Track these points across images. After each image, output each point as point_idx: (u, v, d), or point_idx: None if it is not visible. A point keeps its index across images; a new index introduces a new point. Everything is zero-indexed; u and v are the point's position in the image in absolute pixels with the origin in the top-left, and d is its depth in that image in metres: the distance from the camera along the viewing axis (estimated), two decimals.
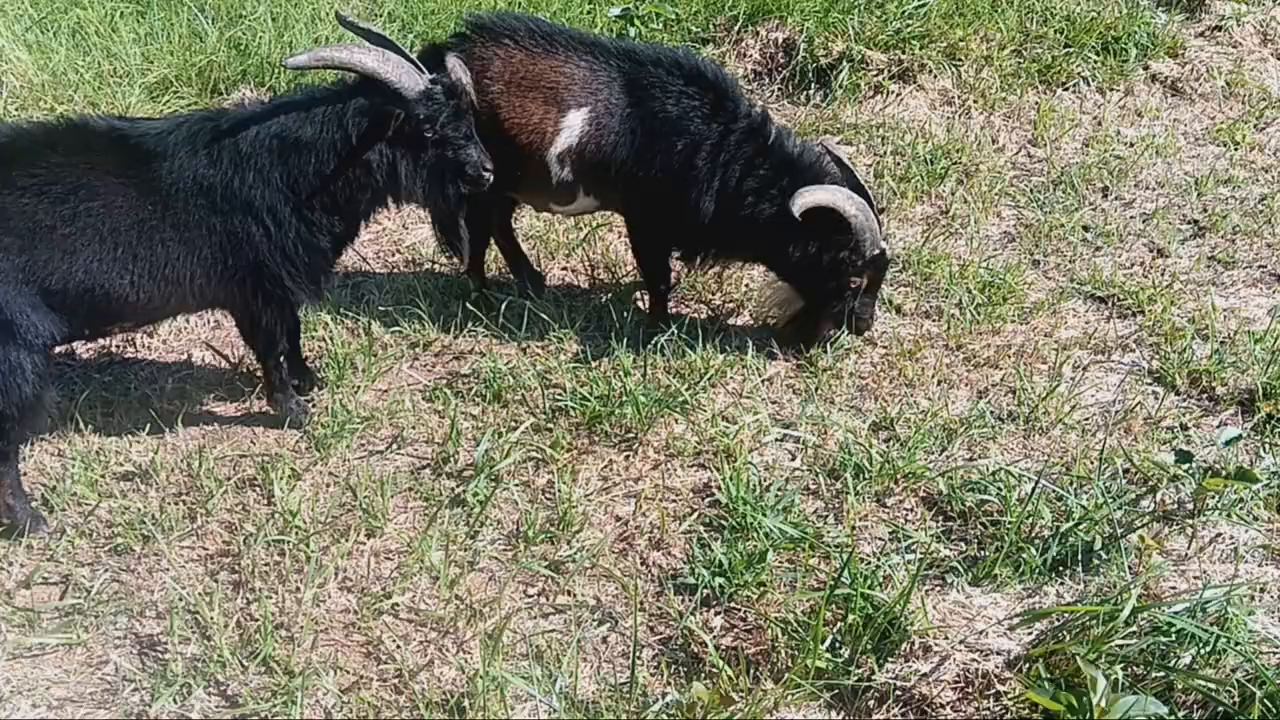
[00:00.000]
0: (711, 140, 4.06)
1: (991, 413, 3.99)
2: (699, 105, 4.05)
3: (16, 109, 4.98)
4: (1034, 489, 3.39)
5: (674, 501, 3.65)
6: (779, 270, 4.29)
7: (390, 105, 3.47)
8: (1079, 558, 3.21)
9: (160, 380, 4.16)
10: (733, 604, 3.23)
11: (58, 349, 3.65)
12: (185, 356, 4.30)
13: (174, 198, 3.40)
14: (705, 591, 3.28)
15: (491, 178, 3.74)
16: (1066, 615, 2.88)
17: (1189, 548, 3.31)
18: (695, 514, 3.57)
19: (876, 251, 4.05)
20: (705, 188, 4.08)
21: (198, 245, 3.48)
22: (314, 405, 4.02)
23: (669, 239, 4.35)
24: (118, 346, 4.30)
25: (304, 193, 3.51)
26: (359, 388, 4.11)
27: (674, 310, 4.56)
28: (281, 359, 3.87)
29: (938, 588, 3.19)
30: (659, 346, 4.23)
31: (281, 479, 3.62)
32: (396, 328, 4.40)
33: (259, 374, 4.02)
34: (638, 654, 3.03)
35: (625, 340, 4.20)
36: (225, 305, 3.76)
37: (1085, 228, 5.17)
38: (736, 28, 6.13)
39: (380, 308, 4.52)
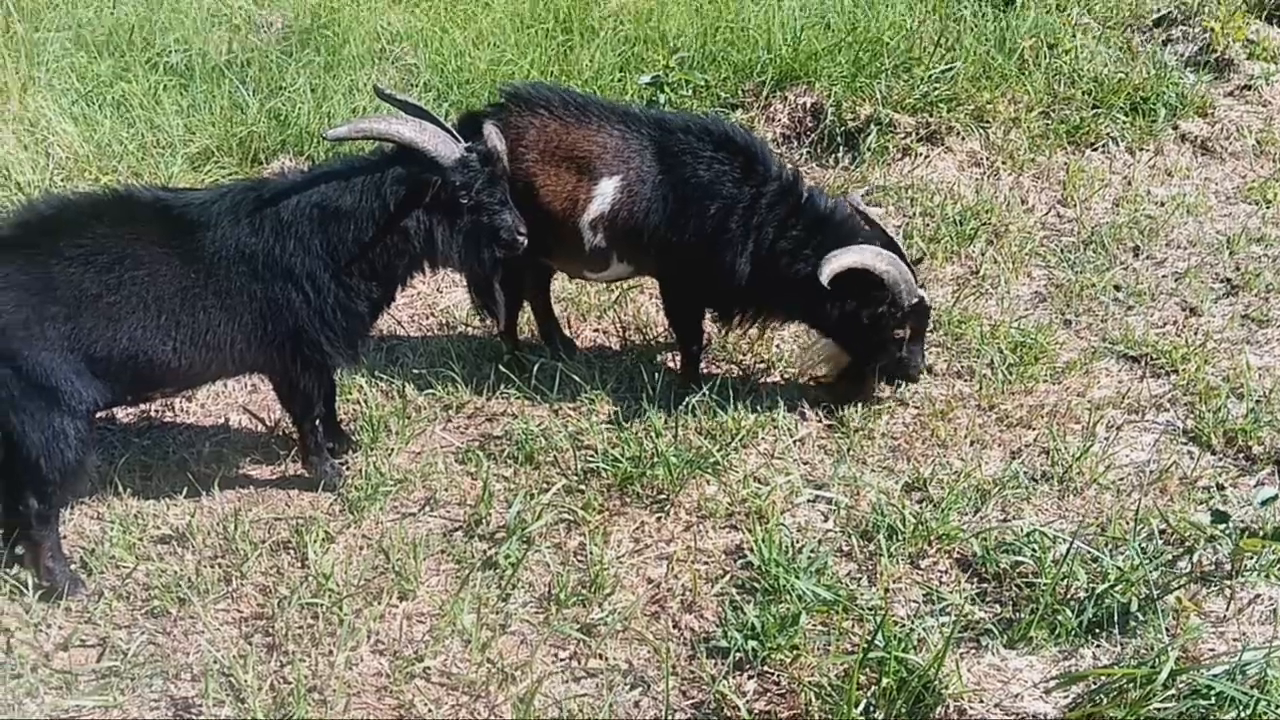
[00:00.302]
0: (744, 203, 4.11)
1: (1025, 473, 3.97)
2: (729, 169, 4.11)
3: (62, 179, 5.12)
4: (1068, 550, 3.36)
5: (706, 563, 3.64)
6: (821, 327, 4.32)
7: (427, 173, 3.55)
8: (1115, 619, 3.17)
9: (198, 444, 4.22)
10: (766, 667, 3.21)
11: (100, 414, 3.72)
12: (222, 421, 4.36)
13: (217, 265, 3.48)
14: (738, 655, 3.26)
15: (525, 242, 3.80)
16: (1104, 678, 2.84)
17: (1227, 609, 3.26)
18: (727, 576, 3.56)
19: (915, 300, 4.08)
20: (739, 249, 4.12)
21: (239, 311, 3.54)
22: (348, 468, 4.05)
23: (703, 301, 4.40)
24: (156, 412, 4.36)
25: (343, 259, 3.58)
26: (392, 450, 4.14)
27: (705, 371, 4.58)
28: (317, 422, 3.92)
29: (973, 650, 3.16)
30: (690, 407, 4.24)
31: (315, 542, 3.65)
32: (430, 390, 4.44)
33: (294, 438, 4.07)
34: (670, 718, 3.02)
35: (657, 401, 4.22)
36: (264, 370, 3.82)
37: (1117, 287, 5.17)
38: (765, 93, 6.21)
39: (414, 370, 4.57)
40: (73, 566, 3.61)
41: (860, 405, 4.31)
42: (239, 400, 4.45)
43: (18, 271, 3.27)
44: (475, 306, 4.33)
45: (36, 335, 3.26)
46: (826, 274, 3.91)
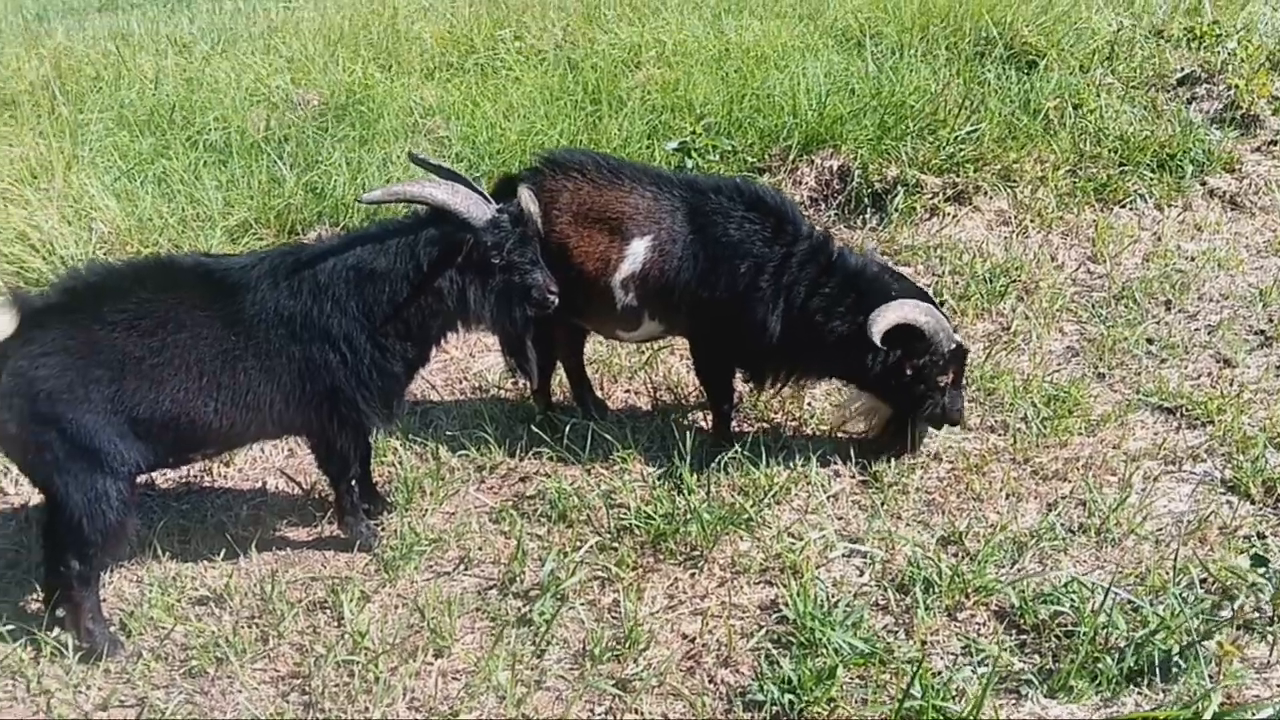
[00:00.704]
0: (774, 261, 4.15)
1: (1062, 525, 3.94)
2: (760, 229, 4.16)
3: (104, 252, 5.24)
4: (1105, 596, 3.32)
5: (741, 618, 3.62)
6: (860, 382, 4.33)
7: (460, 233, 3.62)
8: (1157, 667, 3.13)
9: (235, 508, 4.26)
10: None
11: (141, 477, 3.77)
12: (259, 485, 4.40)
13: (256, 328, 3.54)
14: (774, 708, 3.23)
15: (556, 301, 3.85)
16: None
17: (1271, 654, 3.21)
18: (763, 630, 3.54)
19: (953, 346, 4.12)
20: (771, 308, 4.15)
21: (278, 373, 3.59)
22: (383, 529, 4.08)
23: (733, 360, 4.43)
24: (195, 476, 4.42)
25: (379, 320, 3.64)
26: (427, 511, 4.17)
27: (736, 429, 4.59)
28: (353, 484, 3.96)
29: (1012, 700, 3.12)
30: (723, 464, 4.25)
31: (351, 601, 3.67)
32: (464, 451, 4.48)
33: (330, 500, 4.11)
34: None
35: (689, 459, 4.23)
36: (302, 430, 3.87)
37: (1150, 340, 5.15)
38: (791, 157, 6.29)
39: (448, 432, 4.61)
40: (112, 628, 3.64)
41: (897, 460, 4.30)
42: (276, 464, 4.50)
43: (62, 336, 3.34)
44: (508, 366, 4.37)
45: (80, 398, 3.33)
46: (877, 333, 3.96)
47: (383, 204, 3.96)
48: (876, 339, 3.96)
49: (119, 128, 6.64)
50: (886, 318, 3.98)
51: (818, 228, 4.29)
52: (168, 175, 6.00)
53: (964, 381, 4.33)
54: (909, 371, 4.12)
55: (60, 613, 3.54)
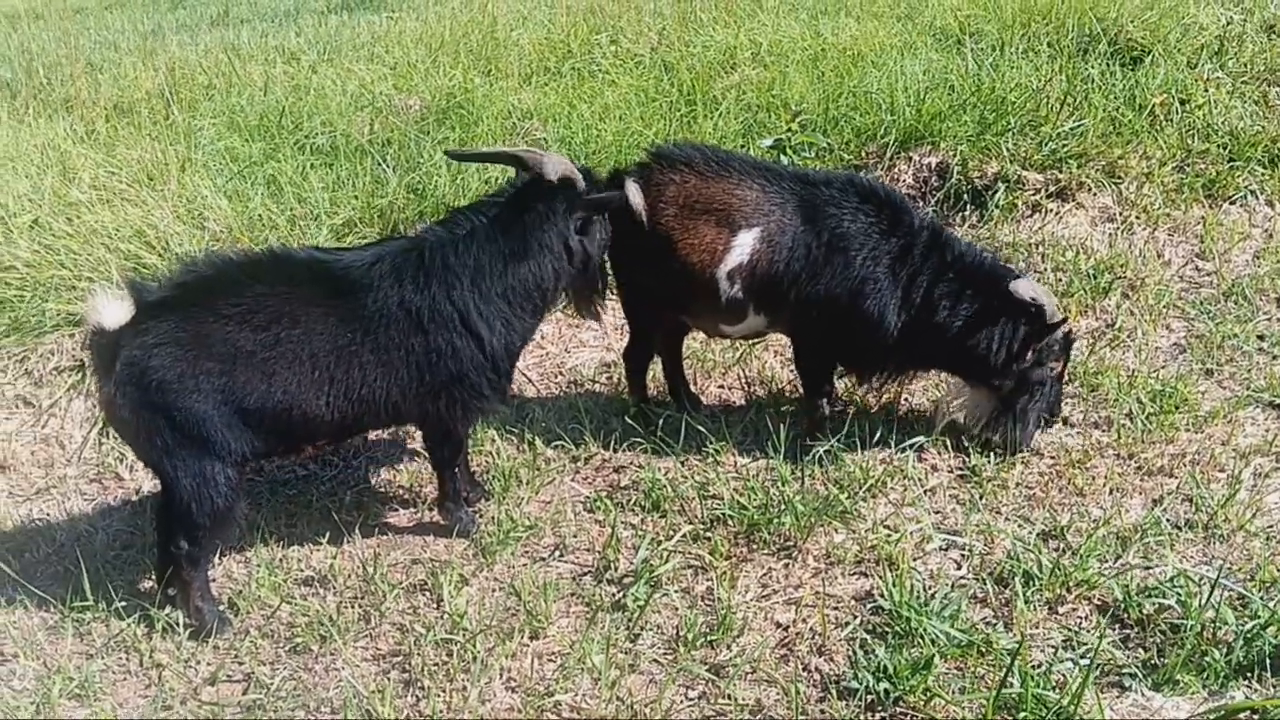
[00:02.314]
0: (892, 254, 4.14)
1: (1168, 520, 3.84)
2: (876, 221, 4.15)
3: (217, 248, 5.41)
4: (1211, 589, 3.23)
5: (835, 608, 3.60)
6: (972, 372, 4.29)
7: (578, 196, 3.80)
8: (1267, 660, 3.02)
9: (340, 493, 4.38)
10: (899, 709, 3.14)
11: (251, 464, 3.91)
12: (363, 471, 4.51)
13: (375, 323, 3.62)
14: (869, 697, 3.20)
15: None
16: (1259, 709, 2.71)
17: None
18: (858, 620, 3.51)
19: (1067, 331, 4.17)
20: (889, 300, 4.14)
21: (395, 366, 3.67)
22: (481, 516, 4.15)
23: (837, 355, 4.40)
24: (301, 464, 4.55)
25: (517, 298, 3.77)
26: (523, 499, 4.23)
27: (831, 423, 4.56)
28: (456, 471, 4.03)
29: (1115, 693, 3.05)
30: (817, 457, 4.23)
31: (450, 583, 3.74)
32: (559, 443, 4.53)
33: (430, 488, 4.19)
34: None
35: (783, 452, 4.22)
36: (415, 420, 3.94)
37: (1260, 337, 4.99)
38: (888, 154, 6.24)
39: (543, 425, 4.67)
40: (220, 607, 3.76)
41: (1009, 455, 4.25)
42: (379, 453, 4.60)
43: (176, 328, 3.46)
44: (584, 314, 4.33)
45: (190, 388, 3.44)
46: (1025, 294, 4.02)
47: (474, 162, 4.11)
48: (1026, 297, 3.99)
49: (230, 132, 6.87)
50: (1026, 288, 4.02)
51: (929, 218, 4.28)
52: (277, 177, 6.18)
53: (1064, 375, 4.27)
54: (1029, 355, 4.10)
55: (172, 591, 3.68)
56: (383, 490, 4.38)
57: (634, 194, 4.17)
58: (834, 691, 3.26)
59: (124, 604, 3.81)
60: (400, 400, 3.73)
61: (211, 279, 3.58)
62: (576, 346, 5.37)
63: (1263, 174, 6.16)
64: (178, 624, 3.67)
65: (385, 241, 3.90)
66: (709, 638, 3.48)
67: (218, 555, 4.02)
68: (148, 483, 4.55)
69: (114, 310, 3.41)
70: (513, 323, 3.79)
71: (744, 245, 4.19)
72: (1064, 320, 4.10)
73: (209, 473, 3.52)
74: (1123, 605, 3.43)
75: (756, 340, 5.06)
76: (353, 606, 3.73)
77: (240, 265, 3.66)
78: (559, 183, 3.75)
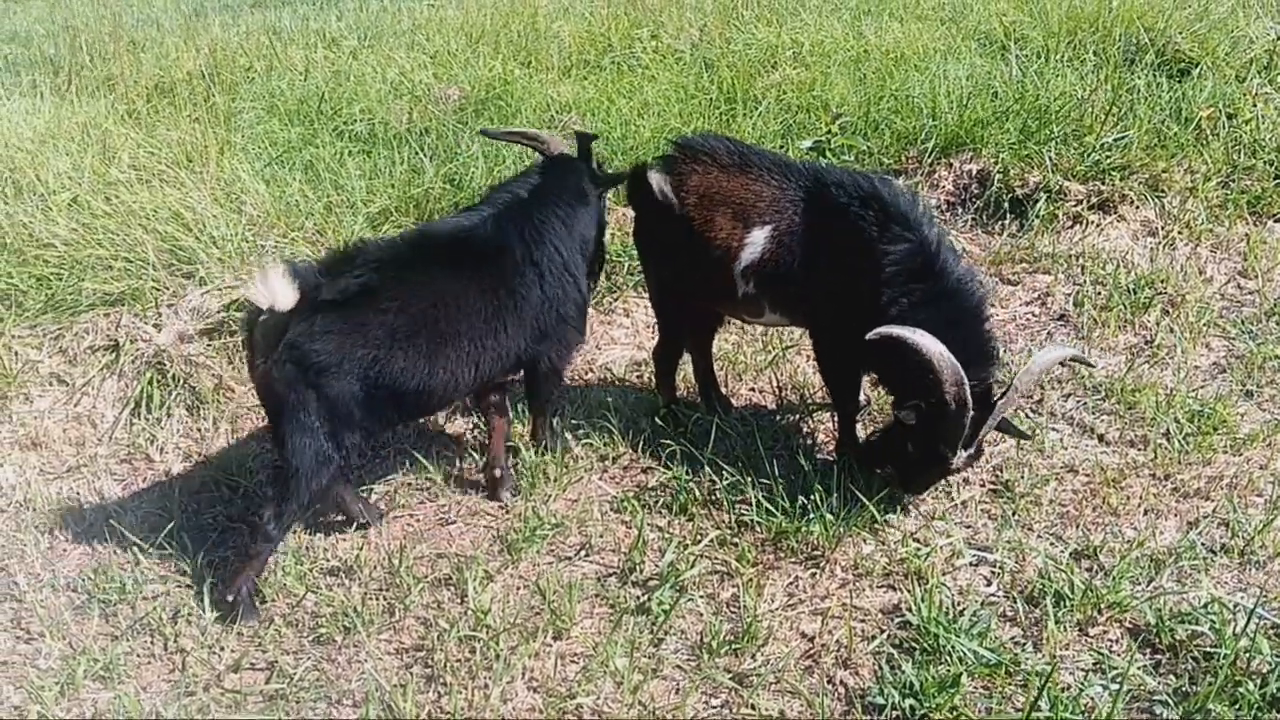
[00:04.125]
0: (878, 270, 3.87)
1: (1203, 544, 3.78)
2: (866, 226, 3.92)
3: (253, 234, 5.44)
4: (1249, 619, 3.17)
5: (862, 621, 3.57)
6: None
7: (603, 175, 4.46)
8: None
9: (367, 485, 4.37)
10: None
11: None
12: (390, 464, 4.51)
13: (513, 283, 3.96)
14: (895, 713, 3.17)
15: None
16: None
17: None
18: (884, 634, 3.48)
19: (956, 406, 3.74)
20: (864, 310, 3.89)
21: (526, 320, 4.01)
22: (507, 511, 4.14)
23: (854, 360, 4.32)
24: None
25: (590, 253, 4.31)
26: (550, 497, 4.22)
27: (862, 431, 4.52)
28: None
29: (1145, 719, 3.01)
30: (847, 465, 4.19)
31: (475, 579, 3.73)
32: (587, 441, 4.51)
33: (455, 482, 4.21)
34: None
35: (813, 459, 4.17)
36: (532, 364, 4.19)
37: None
38: (929, 160, 6.18)
39: (573, 421, 4.65)
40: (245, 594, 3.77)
41: (1026, 471, 4.18)
42: (406, 445, 4.60)
43: (338, 318, 3.61)
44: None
45: (344, 374, 3.61)
46: (887, 333, 3.70)
47: (502, 140, 5.07)
48: (876, 334, 3.69)
49: (269, 116, 6.89)
50: (916, 339, 3.65)
51: (934, 231, 3.93)
52: (314, 162, 6.19)
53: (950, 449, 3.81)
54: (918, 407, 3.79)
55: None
56: (410, 483, 4.37)
57: (659, 183, 4.26)
58: (859, 706, 3.23)
59: (151, 587, 3.83)
60: (523, 350, 4.05)
61: (370, 269, 3.70)
62: (608, 344, 5.35)
63: None
64: (204, 607, 3.69)
65: (475, 209, 4.16)
66: (733, 645, 3.45)
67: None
68: (178, 465, 4.57)
69: (287, 295, 3.53)
70: (585, 274, 4.25)
71: (756, 243, 4.12)
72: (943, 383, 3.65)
73: (329, 452, 3.65)
74: (1155, 630, 3.37)
75: (790, 345, 5.03)
76: (377, 598, 3.73)
77: (395, 252, 3.82)
78: (559, 158, 4.30)
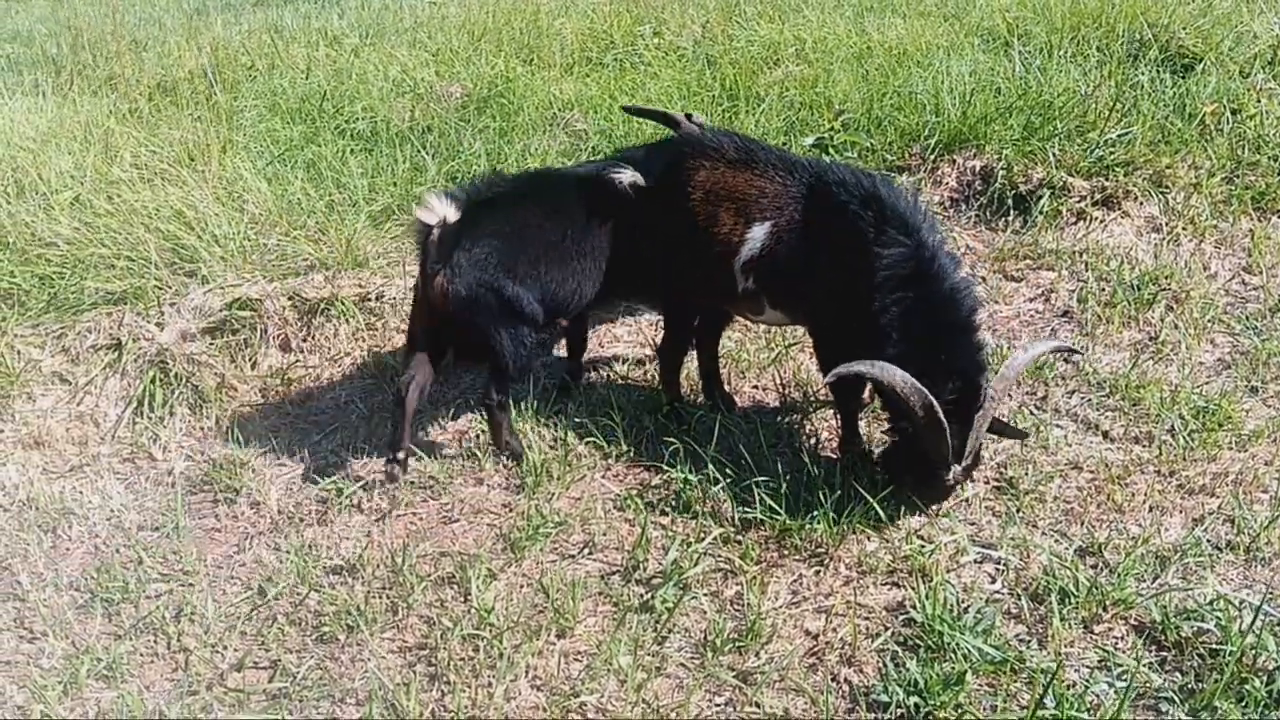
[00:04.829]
0: (871, 275, 3.85)
1: (1208, 541, 3.76)
2: (863, 227, 3.89)
3: (255, 233, 5.44)
4: (1255, 616, 3.16)
5: (866, 618, 3.56)
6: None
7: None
8: None
9: (370, 482, 4.36)
10: None
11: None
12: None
13: (624, 215, 4.48)
14: (899, 711, 3.16)
15: None
16: None
17: None
18: (889, 632, 3.47)
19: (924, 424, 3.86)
20: (862, 314, 3.89)
21: (633, 244, 4.51)
22: (510, 510, 4.14)
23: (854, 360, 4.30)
24: (334, 450, 4.55)
25: None
26: (553, 494, 4.21)
27: (866, 431, 4.50)
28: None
29: (1151, 717, 2.99)
30: (850, 463, 4.18)
31: (478, 578, 3.72)
32: (591, 439, 4.50)
33: (460, 480, 4.23)
34: None
35: (816, 457, 4.16)
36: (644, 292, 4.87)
37: None
38: (932, 156, 6.17)
39: (576, 419, 4.64)
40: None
41: (1030, 468, 4.18)
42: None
43: (502, 224, 4.28)
44: None
45: (513, 271, 4.23)
46: (843, 372, 3.83)
47: (641, 117, 5.68)
48: (834, 375, 3.87)
49: (271, 115, 6.89)
50: (875, 373, 3.74)
51: (934, 237, 3.89)
52: (316, 161, 6.19)
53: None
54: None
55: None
56: (413, 481, 4.36)
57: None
58: (863, 704, 3.22)
59: (154, 586, 3.83)
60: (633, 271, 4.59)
61: (518, 188, 4.48)
62: (610, 341, 5.34)
63: None
64: (206, 608, 3.69)
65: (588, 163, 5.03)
66: (737, 643, 3.45)
67: (247, 541, 4.07)
68: (180, 464, 4.57)
69: (452, 209, 4.09)
70: None
71: (756, 240, 4.11)
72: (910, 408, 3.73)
73: (524, 336, 4.27)
74: (1160, 627, 3.36)
75: (793, 342, 5.02)
76: (380, 597, 3.72)
77: (531, 180, 4.72)
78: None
